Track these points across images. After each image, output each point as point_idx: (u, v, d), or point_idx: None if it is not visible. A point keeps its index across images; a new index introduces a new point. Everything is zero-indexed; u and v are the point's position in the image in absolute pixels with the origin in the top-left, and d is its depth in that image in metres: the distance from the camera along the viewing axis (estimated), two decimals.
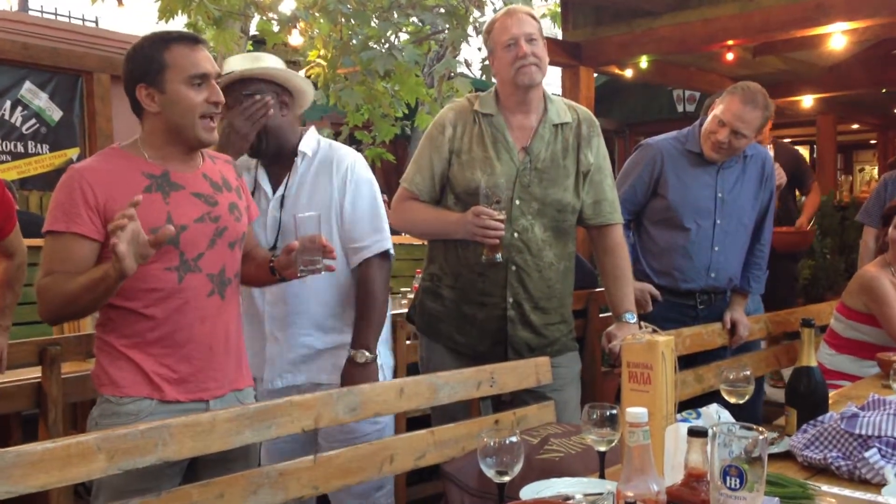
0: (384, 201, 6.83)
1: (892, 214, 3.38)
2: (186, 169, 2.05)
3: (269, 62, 2.48)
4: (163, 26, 5.51)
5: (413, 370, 3.26)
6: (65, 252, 1.92)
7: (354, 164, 2.51)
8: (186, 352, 2.01)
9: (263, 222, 2.47)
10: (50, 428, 2.92)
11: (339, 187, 2.47)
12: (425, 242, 2.82)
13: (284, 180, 2.49)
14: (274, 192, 2.50)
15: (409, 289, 5.30)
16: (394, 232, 2.86)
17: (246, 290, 2.43)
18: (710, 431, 1.39)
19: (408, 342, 3.76)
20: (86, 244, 1.92)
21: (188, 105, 1.97)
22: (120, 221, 1.74)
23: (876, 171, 15.34)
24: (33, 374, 3.08)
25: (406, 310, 3.04)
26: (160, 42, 1.99)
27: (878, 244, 3.58)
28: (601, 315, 4.20)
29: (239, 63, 2.46)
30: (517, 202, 2.55)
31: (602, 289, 2.89)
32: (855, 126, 12.96)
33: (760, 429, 1.38)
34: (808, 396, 2.22)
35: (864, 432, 1.91)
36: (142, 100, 1.98)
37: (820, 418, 2.08)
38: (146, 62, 1.97)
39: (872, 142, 15.18)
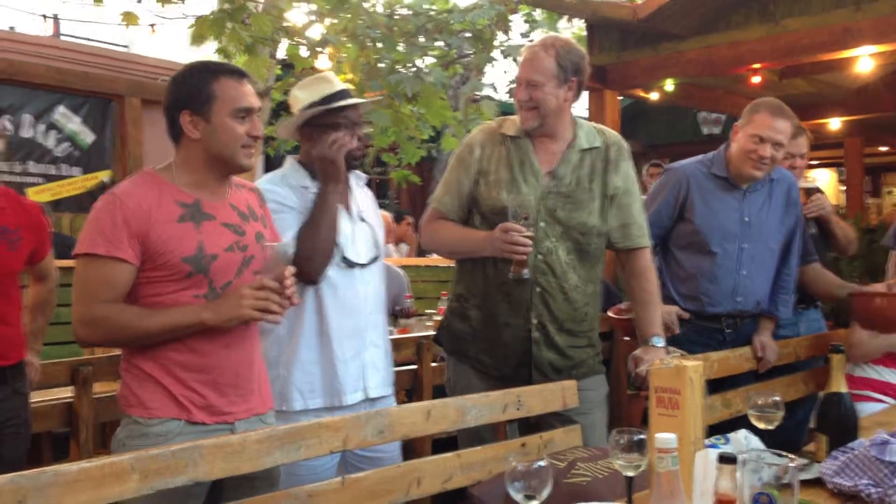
0: (409, 223, 6.90)
1: None
2: (216, 198, 2.09)
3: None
4: (194, 51, 5.60)
5: (439, 391, 3.28)
6: (107, 277, 1.95)
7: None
8: (213, 377, 2.04)
9: (351, 237, 2.51)
10: (81, 447, 2.96)
11: (377, 215, 2.71)
12: (452, 264, 2.84)
13: (349, 198, 2.58)
14: (345, 209, 2.55)
15: (434, 311, 5.32)
16: (421, 252, 2.94)
17: (350, 302, 2.49)
18: (739, 458, 1.39)
19: (434, 364, 3.77)
20: (127, 269, 1.96)
21: (232, 136, 2.02)
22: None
23: None
24: (65, 394, 3.13)
25: (431, 332, 3.06)
26: (210, 73, 2.04)
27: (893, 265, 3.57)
28: (626, 338, 4.18)
29: (337, 84, 2.58)
30: (542, 224, 2.57)
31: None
32: (883, 148, 12.84)
33: (791, 455, 1.38)
34: (838, 423, 2.20)
35: (894, 459, 1.89)
36: (184, 126, 2.02)
37: (850, 445, 2.07)
38: (194, 90, 2.02)
39: None
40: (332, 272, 2.46)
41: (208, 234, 2.03)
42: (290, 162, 2.59)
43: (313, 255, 2.36)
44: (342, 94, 2.52)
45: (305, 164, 2.54)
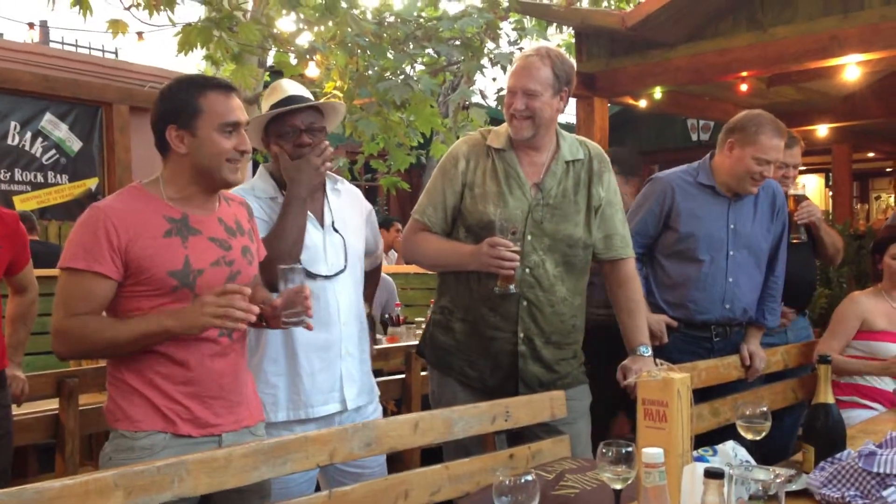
0: (398, 230, 6.87)
1: (886, 244, 3.43)
2: (204, 213, 2.08)
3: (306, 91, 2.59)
4: (182, 59, 5.59)
5: (428, 400, 3.27)
6: (85, 291, 1.94)
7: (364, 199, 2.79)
8: (197, 390, 2.02)
9: (322, 248, 2.49)
10: (67, 460, 2.94)
11: (369, 221, 2.74)
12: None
13: (324, 207, 2.54)
14: (315, 218, 2.51)
15: (423, 318, 5.32)
16: (406, 262, 2.94)
17: (320, 314, 2.43)
18: (726, 473, 1.38)
19: (423, 373, 3.76)
20: (106, 283, 1.94)
21: (218, 150, 2.01)
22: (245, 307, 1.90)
23: (892, 200, 15.29)
24: (51, 405, 3.11)
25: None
26: (196, 87, 2.02)
27: (871, 272, 3.61)
28: None
29: (295, 89, 2.52)
30: (529, 237, 2.56)
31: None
32: (871, 154, 12.92)
33: (778, 471, 1.38)
34: (825, 434, 2.20)
35: (882, 470, 1.89)
36: (171, 140, 2.01)
37: (838, 456, 2.07)
38: (180, 104, 2.00)
39: (889, 170, 15.12)
40: None
41: (195, 248, 2.01)
42: (260, 171, 2.57)
43: (278, 261, 2.27)
44: (287, 101, 2.46)
45: (274, 174, 2.52)
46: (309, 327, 2.12)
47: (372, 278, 2.94)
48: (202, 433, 2.03)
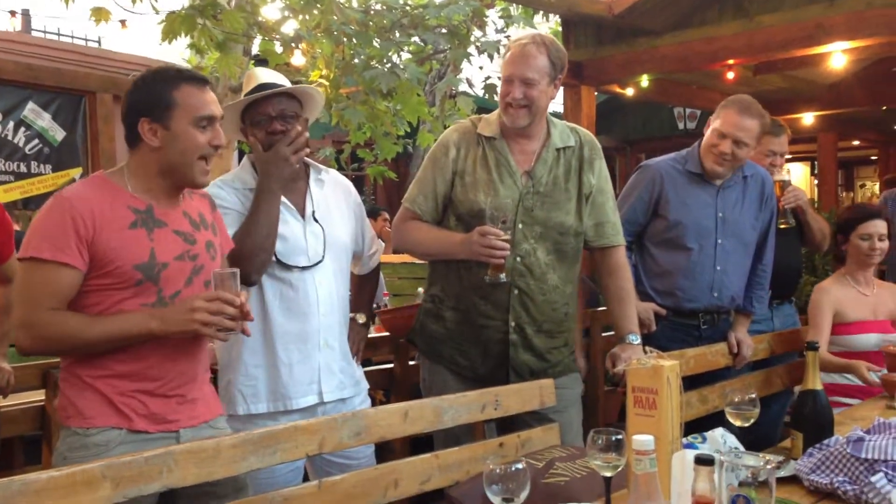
0: (386, 219, 6.81)
1: (853, 223, 3.43)
2: (169, 206, 2.03)
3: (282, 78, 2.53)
4: (166, 48, 5.53)
5: (416, 389, 3.26)
6: (52, 282, 1.87)
7: (356, 192, 2.76)
8: (156, 386, 1.98)
9: (302, 238, 2.46)
10: (53, 451, 2.91)
11: (356, 214, 2.69)
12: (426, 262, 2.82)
13: (306, 197, 2.51)
14: (296, 209, 2.49)
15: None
16: (395, 251, 2.92)
17: (298, 305, 2.43)
18: (717, 460, 1.38)
19: (411, 363, 3.75)
20: (72, 274, 1.88)
21: (191, 145, 1.97)
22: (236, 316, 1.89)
23: (877, 188, 15.38)
24: (37, 397, 3.08)
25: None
26: (170, 79, 1.98)
27: (834, 255, 3.62)
28: (604, 334, 4.19)
29: (268, 77, 2.48)
30: (520, 226, 2.55)
31: (604, 308, 2.89)
32: (856, 142, 12.99)
33: (768, 456, 1.38)
34: (813, 420, 2.21)
35: (870, 456, 1.90)
36: (143, 133, 1.96)
37: (826, 442, 2.08)
38: (154, 98, 1.96)
39: (873, 158, 15.21)
40: (278, 274, 2.41)
41: (160, 241, 1.97)
42: (244, 162, 2.55)
43: (251, 254, 2.28)
44: (260, 89, 2.43)
45: (255, 165, 2.49)
46: (246, 332, 2.02)
47: (367, 284, 2.88)
48: (158, 429, 1.98)
